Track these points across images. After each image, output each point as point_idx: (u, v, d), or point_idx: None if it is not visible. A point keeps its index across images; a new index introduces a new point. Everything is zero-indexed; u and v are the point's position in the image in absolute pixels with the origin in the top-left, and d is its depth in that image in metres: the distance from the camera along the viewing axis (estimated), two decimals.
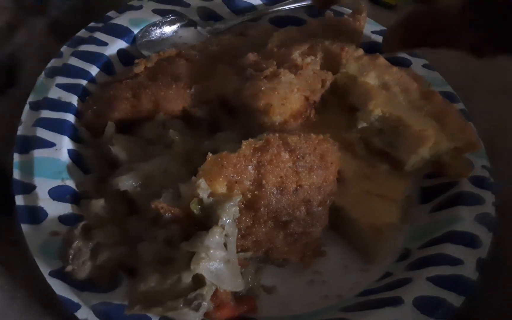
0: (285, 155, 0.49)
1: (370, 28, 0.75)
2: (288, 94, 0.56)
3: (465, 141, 0.58)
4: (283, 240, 0.51)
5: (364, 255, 0.55)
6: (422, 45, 0.48)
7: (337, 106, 0.62)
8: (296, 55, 0.60)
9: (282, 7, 0.75)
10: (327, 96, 0.62)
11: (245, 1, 0.76)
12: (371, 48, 0.73)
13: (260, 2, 0.77)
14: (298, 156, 0.49)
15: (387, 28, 0.54)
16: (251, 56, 0.61)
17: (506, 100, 0.74)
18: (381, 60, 0.64)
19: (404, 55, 0.72)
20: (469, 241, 0.53)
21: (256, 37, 0.69)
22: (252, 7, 0.76)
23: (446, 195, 0.59)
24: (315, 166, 0.50)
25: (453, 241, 0.53)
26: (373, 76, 0.62)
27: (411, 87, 0.61)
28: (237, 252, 0.47)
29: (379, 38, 0.74)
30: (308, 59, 0.60)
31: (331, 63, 0.63)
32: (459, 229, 0.54)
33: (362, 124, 0.59)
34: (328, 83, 0.60)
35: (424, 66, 0.71)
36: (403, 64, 0.70)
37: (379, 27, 0.76)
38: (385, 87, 0.61)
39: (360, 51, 0.64)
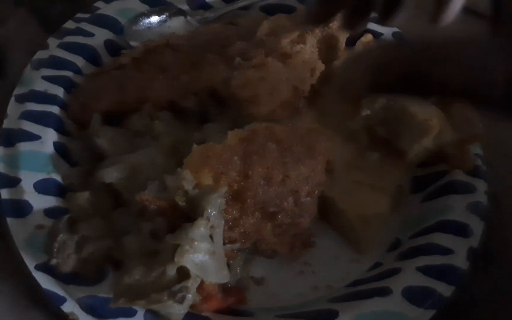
0: (272, 146, 0.49)
1: None
2: (276, 83, 0.55)
3: (470, 133, 0.56)
4: (271, 231, 0.50)
5: (354, 245, 0.54)
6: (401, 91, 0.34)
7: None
8: (285, 43, 0.59)
9: None
10: (327, 85, 0.60)
11: None
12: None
13: None
14: (285, 146, 0.49)
15: (345, 62, 0.42)
16: (239, 45, 0.60)
17: None
18: None
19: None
20: (460, 230, 0.53)
21: (246, 26, 0.68)
22: None
23: (437, 184, 0.58)
24: (303, 157, 0.49)
25: (443, 230, 0.53)
26: None
27: None
28: (225, 244, 0.47)
29: (371, 26, 0.73)
30: (298, 47, 0.59)
31: (329, 50, 0.62)
32: (450, 218, 0.54)
33: (365, 112, 0.57)
34: (317, 72, 0.59)
35: None
36: None
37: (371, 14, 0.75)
38: None
39: (369, 37, 0.63)
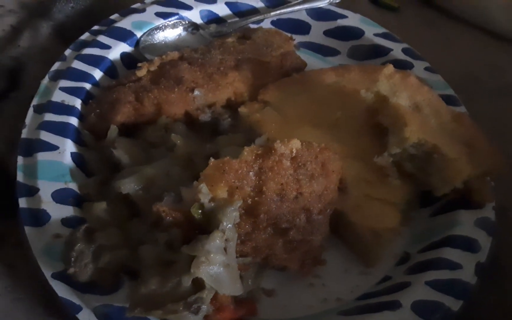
0: (287, 163, 0.49)
1: (372, 30, 0.76)
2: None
3: (492, 165, 0.57)
4: (283, 247, 0.51)
5: (364, 258, 0.55)
6: None
7: (364, 127, 0.60)
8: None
9: (284, 10, 0.76)
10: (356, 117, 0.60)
11: (248, 4, 0.76)
12: (373, 51, 0.74)
13: (263, 5, 0.77)
14: (299, 164, 0.49)
15: None
16: None
17: (506, 102, 0.74)
18: (413, 79, 0.62)
19: (406, 57, 0.72)
20: (468, 245, 0.54)
21: (259, 41, 0.69)
22: (255, 10, 0.76)
23: (446, 199, 0.59)
24: (316, 174, 0.50)
25: (452, 245, 0.54)
26: (405, 96, 0.60)
27: (441, 109, 0.59)
28: (236, 257, 0.47)
29: (381, 41, 0.74)
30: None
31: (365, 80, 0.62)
32: (458, 233, 0.55)
33: (395, 150, 0.57)
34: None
35: (426, 68, 0.71)
36: (405, 66, 0.70)
37: (381, 30, 0.76)
38: (417, 109, 0.60)
39: (391, 68, 0.63)
